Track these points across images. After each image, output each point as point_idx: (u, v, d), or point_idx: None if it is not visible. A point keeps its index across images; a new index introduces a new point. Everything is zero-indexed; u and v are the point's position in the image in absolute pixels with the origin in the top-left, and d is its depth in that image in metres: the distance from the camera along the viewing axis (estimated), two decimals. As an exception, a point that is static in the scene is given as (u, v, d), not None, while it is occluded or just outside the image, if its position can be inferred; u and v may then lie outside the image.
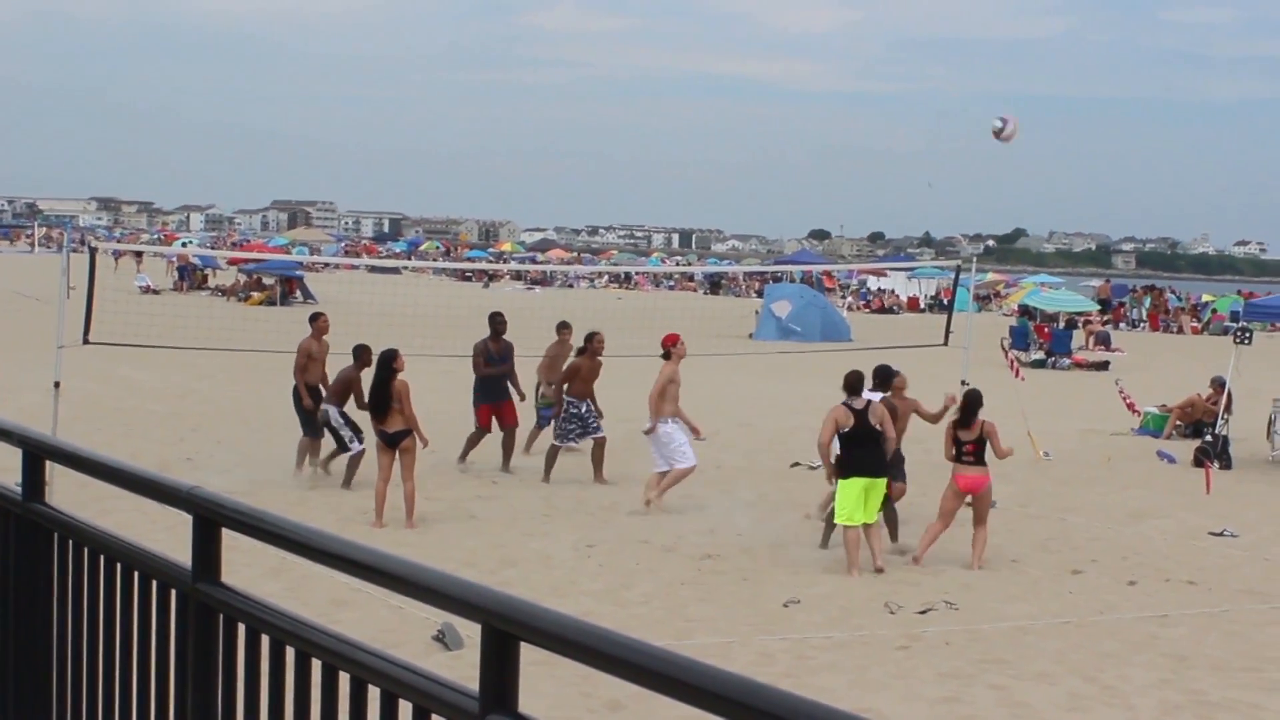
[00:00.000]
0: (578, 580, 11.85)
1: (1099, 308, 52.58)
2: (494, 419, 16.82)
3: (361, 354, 14.96)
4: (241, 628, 3.19)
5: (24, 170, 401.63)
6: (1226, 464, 19.30)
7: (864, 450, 12.42)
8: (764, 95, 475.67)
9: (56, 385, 14.40)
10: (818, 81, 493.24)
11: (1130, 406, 23.32)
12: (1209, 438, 20.11)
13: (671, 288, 66.94)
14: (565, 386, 16.28)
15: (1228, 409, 20.28)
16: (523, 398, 17.13)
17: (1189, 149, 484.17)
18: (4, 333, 31.69)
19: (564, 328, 18.07)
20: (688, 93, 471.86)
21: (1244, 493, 17.53)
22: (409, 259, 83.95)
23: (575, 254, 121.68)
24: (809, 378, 26.75)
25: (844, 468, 12.41)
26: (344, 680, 2.81)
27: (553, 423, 16.68)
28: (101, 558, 3.74)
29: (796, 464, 17.69)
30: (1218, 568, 13.16)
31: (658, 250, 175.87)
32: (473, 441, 16.82)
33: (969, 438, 12.71)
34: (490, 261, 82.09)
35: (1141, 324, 55.45)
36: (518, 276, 63.91)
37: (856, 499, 12.30)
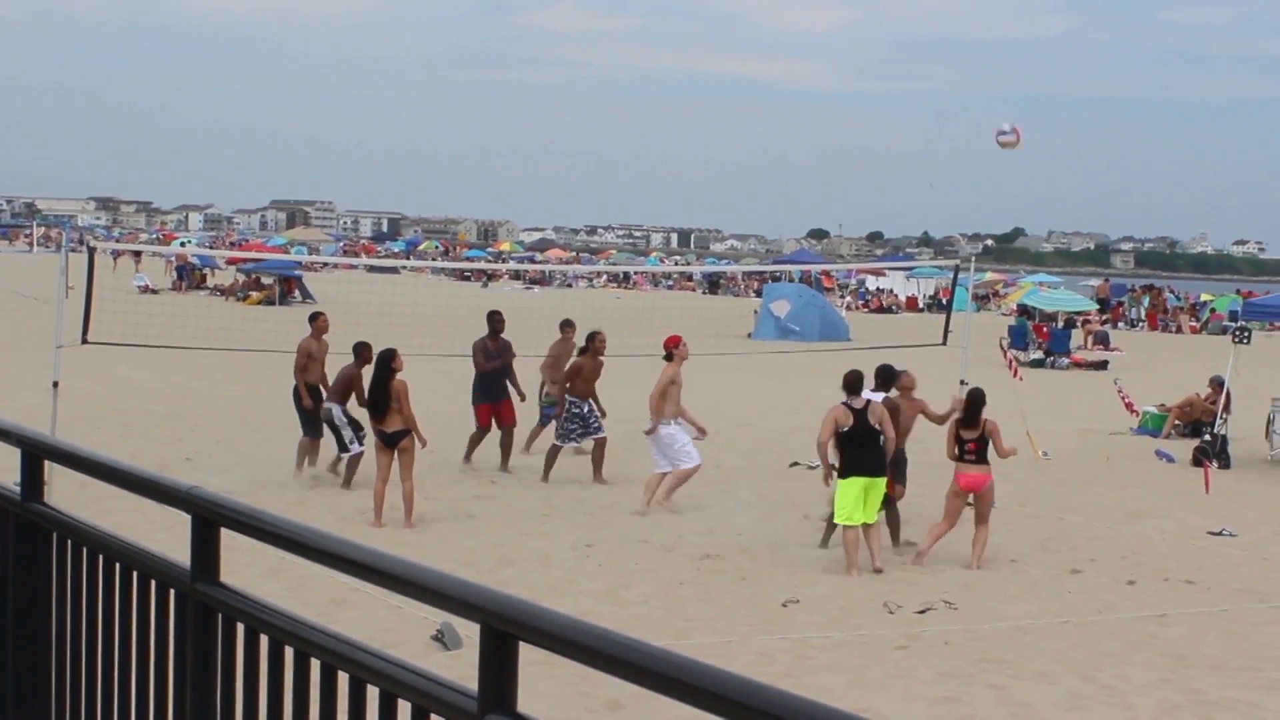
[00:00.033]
0: (577, 580, 11.85)
1: (1098, 307, 52.58)
2: (493, 418, 16.84)
3: (362, 351, 14.98)
4: (240, 627, 3.19)
5: (23, 170, 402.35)
6: (1225, 463, 19.30)
7: (863, 450, 12.42)
8: (763, 95, 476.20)
9: (55, 385, 14.40)
10: (817, 81, 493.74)
11: (1128, 406, 23.32)
12: (1208, 437, 20.12)
13: (670, 287, 66.92)
14: (567, 386, 16.29)
15: (1226, 408, 20.29)
16: (523, 398, 17.13)
17: (1188, 148, 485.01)
18: (3, 332, 31.68)
19: (567, 326, 18.06)
20: (687, 93, 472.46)
21: (1243, 492, 17.54)
22: (408, 259, 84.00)
23: (574, 254, 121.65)
24: (808, 377, 26.74)
25: (843, 467, 12.42)
26: (343, 680, 2.81)
27: (554, 422, 16.70)
28: (100, 557, 3.74)
29: (795, 464, 17.69)
30: (1216, 567, 13.17)
31: (656, 250, 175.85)
32: (475, 441, 16.85)
33: (971, 436, 12.71)
34: (489, 261, 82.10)
35: (1140, 323, 55.48)
36: (516, 276, 63.86)
37: (856, 499, 12.30)
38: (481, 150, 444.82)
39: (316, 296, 44.64)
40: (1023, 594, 11.89)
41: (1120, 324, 53.91)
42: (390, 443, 13.66)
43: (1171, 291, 63.67)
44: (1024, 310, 46.58)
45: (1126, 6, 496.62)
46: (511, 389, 16.98)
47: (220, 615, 3.25)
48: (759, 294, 52.87)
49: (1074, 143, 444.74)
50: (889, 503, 13.06)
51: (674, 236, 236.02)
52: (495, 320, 17.21)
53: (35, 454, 4.14)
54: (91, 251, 16.42)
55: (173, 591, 3.42)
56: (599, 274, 68.80)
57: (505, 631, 2.41)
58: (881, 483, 12.47)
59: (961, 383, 15.61)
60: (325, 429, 15.55)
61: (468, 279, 63.94)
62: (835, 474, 12.51)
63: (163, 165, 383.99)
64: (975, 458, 12.71)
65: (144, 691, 3.58)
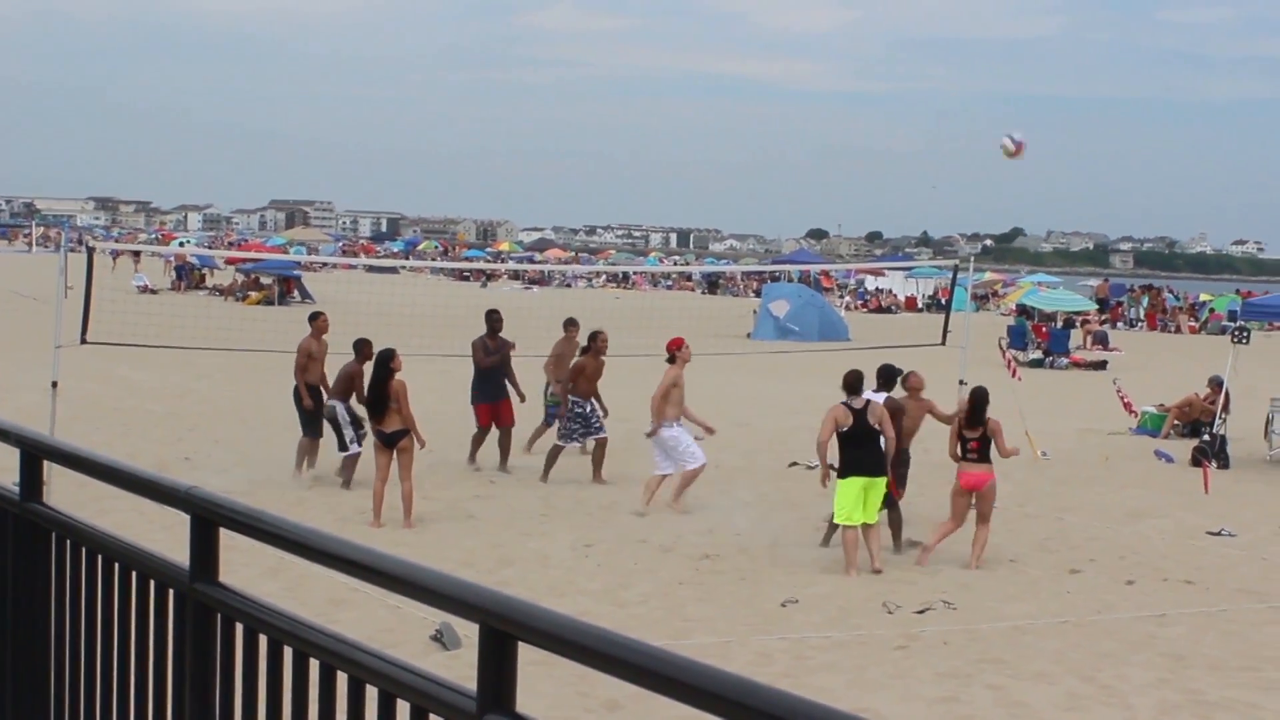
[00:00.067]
0: (576, 580, 11.85)
1: (1097, 307, 52.60)
2: (492, 418, 16.86)
3: (363, 347, 15.01)
4: (239, 627, 3.19)
5: (22, 170, 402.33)
6: (1224, 463, 19.31)
7: (863, 450, 12.42)
8: (763, 95, 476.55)
9: (54, 385, 14.40)
10: (817, 81, 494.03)
11: (1127, 406, 23.32)
12: (1206, 437, 20.13)
13: (669, 287, 66.92)
14: (570, 386, 16.30)
15: (1225, 408, 20.30)
16: (522, 399, 17.13)
17: (1187, 148, 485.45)
18: (2, 332, 31.67)
19: (571, 325, 18.05)
20: (687, 93, 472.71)
21: (1241, 492, 17.54)
22: (407, 258, 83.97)
23: (573, 253, 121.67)
24: (807, 377, 26.75)
25: (843, 467, 12.42)
26: (342, 680, 2.81)
27: (556, 422, 16.71)
28: (99, 557, 3.74)
29: (794, 464, 17.69)
30: (1215, 567, 13.17)
31: (655, 250, 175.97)
32: (477, 442, 16.89)
33: (974, 435, 12.71)
34: (488, 261, 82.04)
35: (1139, 323, 55.49)
36: (515, 276, 63.83)
37: (855, 499, 12.30)
38: (481, 150, 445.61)
39: (315, 296, 44.62)
40: (1022, 594, 11.89)
41: (1119, 324, 53.93)
42: (389, 443, 13.66)
43: (1170, 291, 63.68)
44: (1023, 310, 46.60)
45: (1126, 7, 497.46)
46: (511, 389, 16.99)
47: (219, 615, 3.24)
48: (758, 294, 52.86)
49: (1073, 143, 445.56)
50: (892, 504, 13.05)
51: (673, 236, 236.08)
52: (493, 319, 17.26)
53: (34, 454, 4.14)
54: (90, 251, 16.41)
55: (172, 591, 3.42)
56: (598, 274, 68.78)
57: (504, 631, 2.41)
58: (881, 483, 12.47)
59: (961, 383, 15.63)
60: (325, 429, 15.58)
61: (467, 279, 63.93)
62: (834, 474, 12.51)
63: (162, 165, 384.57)
64: (977, 456, 12.72)
65: (143, 691, 3.58)
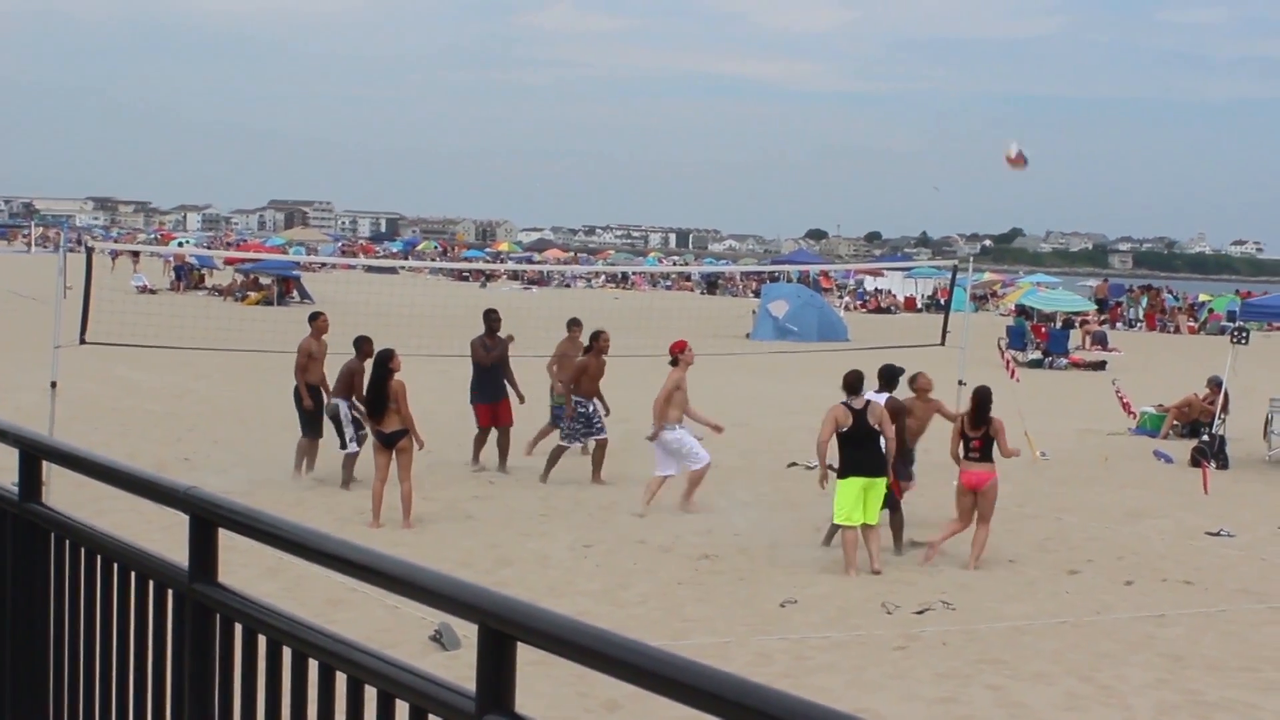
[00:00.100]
0: (575, 580, 11.85)
1: (1096, 307, 52.63)
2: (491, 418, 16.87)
3: (363, 345, 15.04)
4: (238, 628, 3.19)
5: (21, 170, 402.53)
6: (1223, 464, 19.31)
7: (862, 451, 12.42)
8: (762, 95, 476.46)
9: (53, 385, 14.40)
10: (817, 81, 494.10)
11: (1126, 406, 23.32)
12: (1206, 438, 20.13)
13: (668, 288, 66.94)
14: (573, 386, 16.31)
15: (1224, 409, 20.31)
16: (521, 399, 17.13)
17: (1186, 149, 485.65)
18: (1, 333, 31.66)
19: (574, 325, 18.04)
20: (686, 93, 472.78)
21: (1240, 492, 17.54)
22: (406, 259, 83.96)
23: (572, 254, 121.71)
24: (806, 378, 26.75)
25: (842, 468, 12.42)
26: (341, 680, 2.81)
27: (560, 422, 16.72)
28: (98, 558, 3.74)
29: (793, 464, 17.69)
30: (1214, 567, 13.17)
31: (655, 250, 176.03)
32: (479, 443, 16.90)
33: (976, 434, 12.71)
34: (487, 261, 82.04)
35: (1138, 324, 55.52)
36: (515, 276, 63.85)
37: (855, 499, 12.30)
38: (480, 150, 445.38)
39: (315, 297, 44.63)
40: (1020, 594, 11.90)
41: (1118, 324, 53.97)
42: (388, 443, 13.66)
43: (1170, 292, 63.72)
44: (1022, 310, 46.60)
45: (1125, 7, 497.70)
46: (510, 389, 17.00)
47: (218, 615, 3.24)
48: (757, 294, 52.88)
49: (1072, 143, 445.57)
50: (894, 505, 13.05)
51: (672, 237, 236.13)
52: (491, 318, 17.33)
53: (33, 454, 4.14)
54: (89, 251, 16.38)
55: (170, 591, 3.42)
56: (597, 274, 68.80)
57: (503, 632, 2.41)
58: (881, 483, 12.46)
59: (960, 383, 15.63)
60: (325, 429, 15.59)
61: (466, 279, 63.94)
62: (834, 475, 12.51)
63: (161, 165, 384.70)
64: (979, 456, 12.72)
65: (142, 692, 3.57)
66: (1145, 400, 23.87)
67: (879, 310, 57.78)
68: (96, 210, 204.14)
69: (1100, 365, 35.35)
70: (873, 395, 12.96)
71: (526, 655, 2.38)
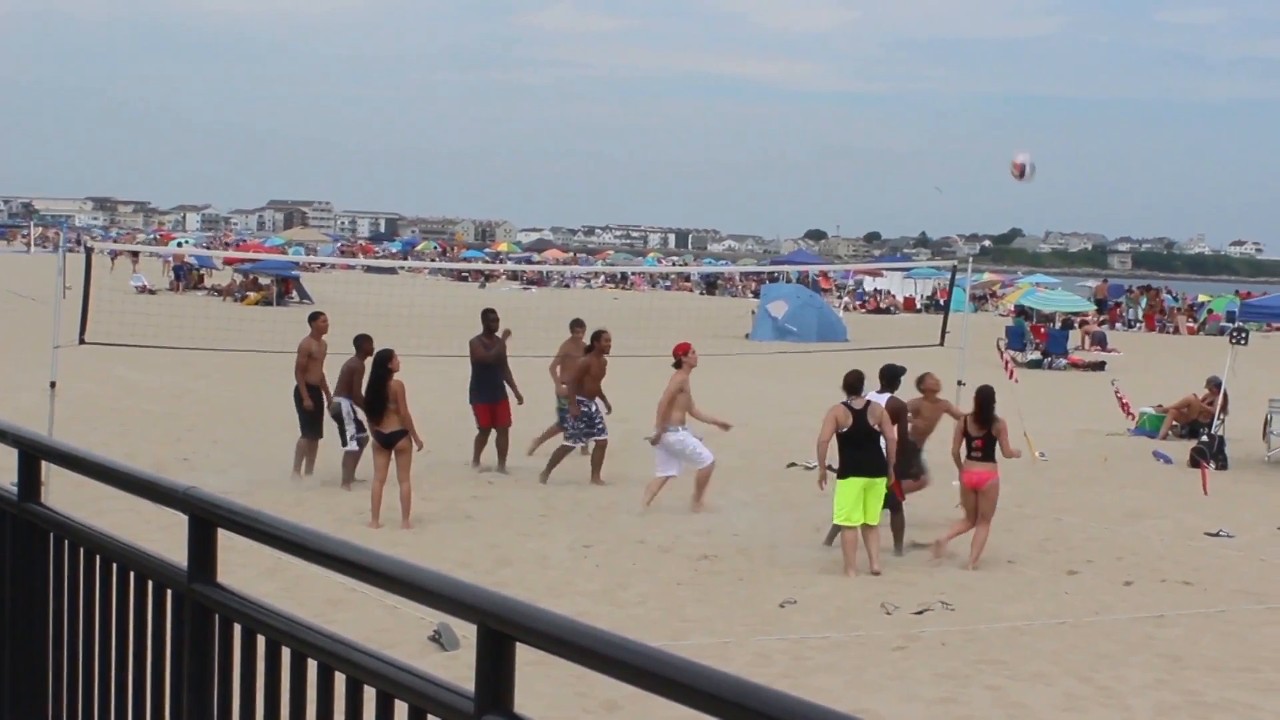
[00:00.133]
0: (574, 580, 11.84)
1: (1095, 308, 52.65)
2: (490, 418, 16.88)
3: (364, 343, 15.05)
4: (237, 628, 3.18)
5: (20, 170, 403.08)
6: (1222, 464, 19.31)
7: (862, 451, 12.41)
8: (762, 95, 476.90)
9: (53, 385, 14.40)
10: (817, 81, 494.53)
11: (1124, 407, 23.32)
12: (1205, 438, 20.13)
13: (668, 288, 66.94)
14: (577, 386, 16.31)
15: (1224, 409, 20.31)
16: (520, 400, 17.13)
17: (1185, 149, 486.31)
18: (0, 333, 31.65)
19: (578, 325, 18.01)
20: (685, 93, 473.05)
21: (1240, 493, 17.54)
22: (405, 259, 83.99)
23: (571, 254, 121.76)
24: (805, 378, 26.76)
25: (842, 468, 12.42)
26: (340, 680, 2.81)
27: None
28: (97, 558, 3.74)
29: (793, 464, 17.69)
30: (1214, 568, 13.17)
31: (654, 250, 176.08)
32: (480, 443, 16.90)
33: (979, 434, 12.71)
34: (486, 261, 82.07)
35: (1137, 324, 55.53)
36: (514, 276, 63.86)
37: (855, 499, 12.29)
38: (479, 150, 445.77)
39: (314, 297, 44.63)
40: (1020, 595, 11.89)
41: (1118, 325, 53.98)
42: (387, 443, 13.66)
43: (1169, 292, 63.72)
44: (1021, 311, 46.62)
45: (1125, 7, 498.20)
46: (509, 390, 17.00)
47: (217, 615, 3.24)
48: (756, 294, 52.88)
49: (1071, 143, 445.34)
50: (895, 506, 13.05)
51: (672, 237, 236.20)
52: (489, 318, 17.34)
53: (32, 454, 4.14)
54: (89, 251, 16.39)
55: (170, 592, 3.42)
56: (596, 274, 68.82)
57: (502, 632, 2.41)
58: (881, 484, 12.46)
59: (960, 384, 15.63)
60: (325, 429, 15.59)
61: (465, 279, 63.97)
62: (833, 475, 12.51)
63: (160, 165, 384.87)
64: (981, 455, 12.72)
65: (141, 692, 3.57)
66: (1144, 401, 23.87)
67: (878, 310, 57.80)
68: (96, 210, 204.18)
69: (1099, 366, 35.35)
70: (873, 395, 12.96)
71: (526, 655, 2.38)
